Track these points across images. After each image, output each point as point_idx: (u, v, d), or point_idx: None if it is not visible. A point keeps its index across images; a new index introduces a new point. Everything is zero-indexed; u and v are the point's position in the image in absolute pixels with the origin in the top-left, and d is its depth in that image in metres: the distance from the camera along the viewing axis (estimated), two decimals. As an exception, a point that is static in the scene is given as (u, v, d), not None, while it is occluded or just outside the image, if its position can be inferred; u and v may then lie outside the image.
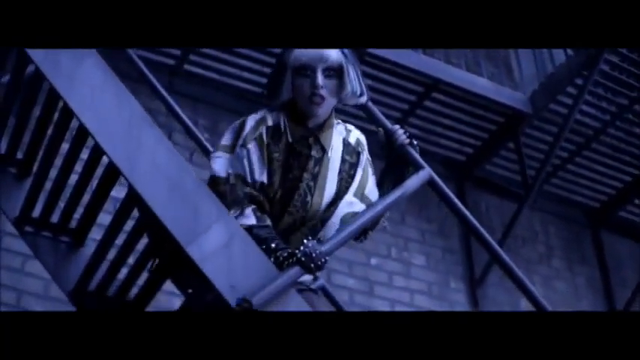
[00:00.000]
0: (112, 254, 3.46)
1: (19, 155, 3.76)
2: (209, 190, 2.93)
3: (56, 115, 3.40)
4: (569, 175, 8.01)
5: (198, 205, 2.86)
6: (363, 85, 3.13)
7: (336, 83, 3.03)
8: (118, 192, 3.42)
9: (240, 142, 3.02)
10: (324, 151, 3.10)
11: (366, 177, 3.18)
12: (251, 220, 2.90)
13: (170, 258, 3.10)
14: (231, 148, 3.04)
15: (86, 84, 2.98)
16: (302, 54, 3.02)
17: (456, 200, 3.31)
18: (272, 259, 2.82)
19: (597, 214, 8.33)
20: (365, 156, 3.22)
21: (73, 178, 3.50)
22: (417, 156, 3.23)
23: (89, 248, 3.70)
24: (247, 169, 2.97)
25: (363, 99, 3.15)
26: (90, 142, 3.12)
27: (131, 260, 3.48)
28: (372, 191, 3.17)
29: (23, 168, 3.76)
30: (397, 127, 3.19)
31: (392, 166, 3.23)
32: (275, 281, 2.71)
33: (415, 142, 3.19)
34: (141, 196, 2.83)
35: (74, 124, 3.16)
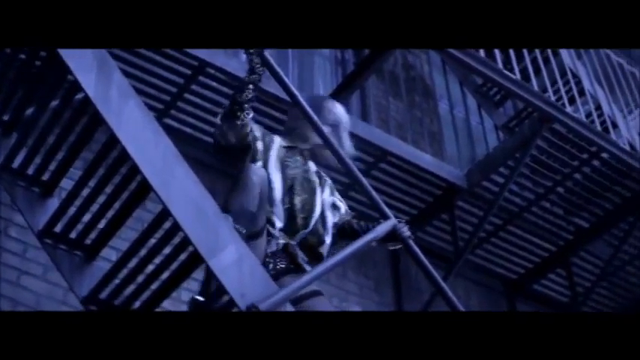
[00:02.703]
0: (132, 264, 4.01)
1: (45, 177, 4.27)
2: (225, 217, 3.60)
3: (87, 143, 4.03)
4: (491, 248, 8.54)
5: (217, 228, 3.52)
6: None
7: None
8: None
9: None
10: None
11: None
12: None
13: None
14: None
15: (131, 120, 3.62)
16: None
17: (414, 246, 4.02)
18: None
19: (514, 285, 8.85)
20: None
21: (99, 200, 4.08)
22: (385, 207, 3.97)
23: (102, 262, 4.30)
24: None
25: None
26: (123, 169, 3.78)
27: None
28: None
29: (47, 188, 4.29)
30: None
31: None
32: (279, 293, 3.39)
33: None
34: (174, 216, 3.47)
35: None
